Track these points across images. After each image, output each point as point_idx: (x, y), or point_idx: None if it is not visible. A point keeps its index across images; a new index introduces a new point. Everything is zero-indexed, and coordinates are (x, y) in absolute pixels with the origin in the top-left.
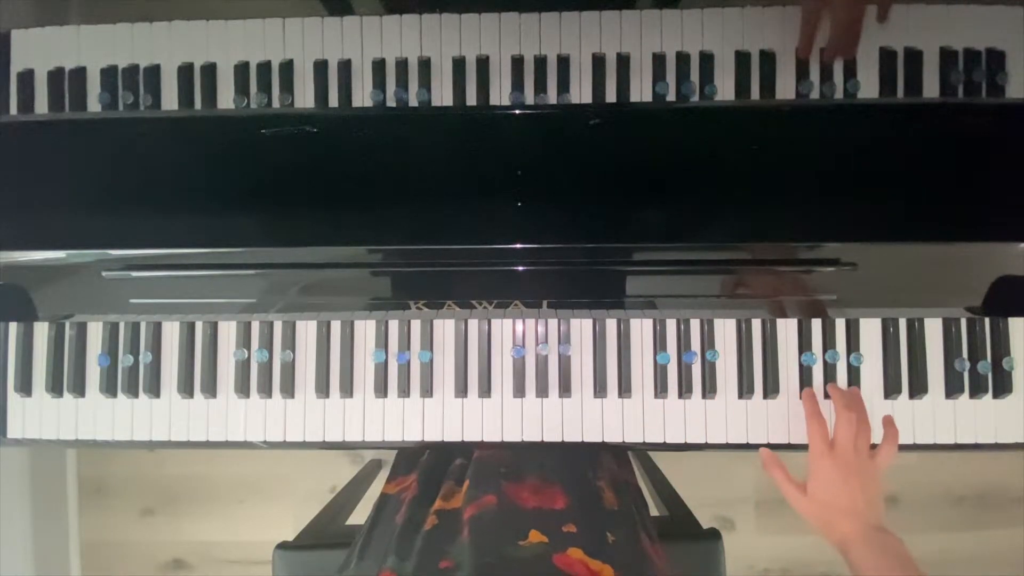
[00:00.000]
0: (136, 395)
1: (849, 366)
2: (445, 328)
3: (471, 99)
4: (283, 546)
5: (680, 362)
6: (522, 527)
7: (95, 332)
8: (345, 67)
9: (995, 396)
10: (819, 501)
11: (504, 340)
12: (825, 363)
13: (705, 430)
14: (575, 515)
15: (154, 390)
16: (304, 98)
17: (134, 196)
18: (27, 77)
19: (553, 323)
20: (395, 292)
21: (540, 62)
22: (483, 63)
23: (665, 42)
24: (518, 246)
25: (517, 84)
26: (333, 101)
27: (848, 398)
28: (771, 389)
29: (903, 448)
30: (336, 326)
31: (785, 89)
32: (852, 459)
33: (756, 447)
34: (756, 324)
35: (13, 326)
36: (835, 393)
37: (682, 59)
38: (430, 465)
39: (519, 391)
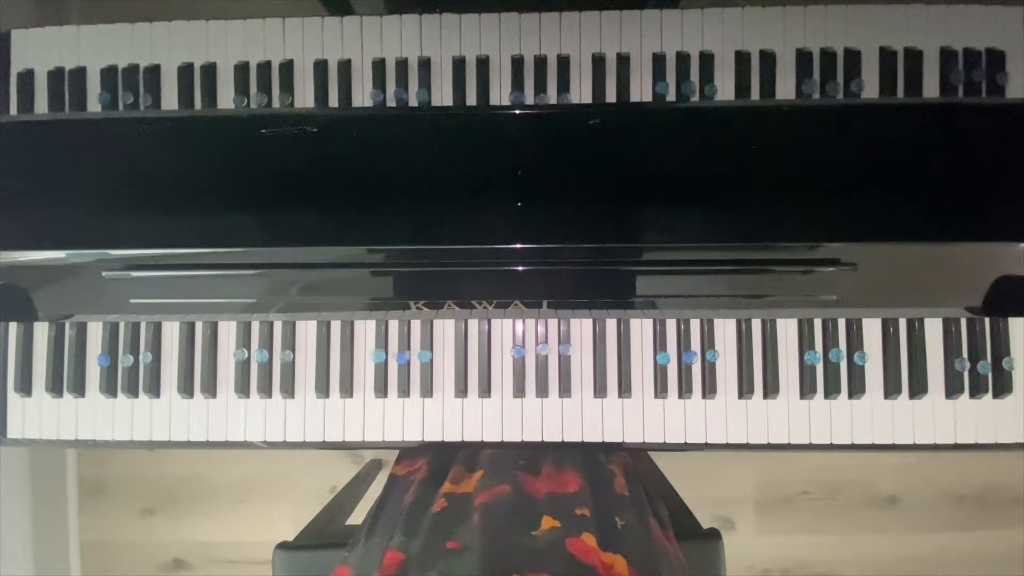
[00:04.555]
0: (136, 395)
1: (852, 365)
2: (445, 328)
3: (471, 99)
4: (283, 546)
5: (680, 362)
6: (535, 515)
7: (95, 332)
8: (345, 67)
9: (995, 396)
10: None
11: (504, 340)
12: (828, 362)
13: (705, 430)
14: (587, 498)
15: (154, 390)
16: (304, 98)
17: (134, 196)
18: (27, 77)
19: (553, 323)
20: (395, 292)
21: (540, 62)
22: (483, 63)
23: (665, 42)
24: (518, 246)
25: (517, 84)
26: (333, 101)
27: None
28: (771, 389)
29: (904, 448)
30: (336, 326)
31: (785, 89)
32: None
33: (756, 447)
34: (756, 324)
35: (13, 326)
36: None
37: (682, 59)
38: (440, 447)
39: (519, 391)
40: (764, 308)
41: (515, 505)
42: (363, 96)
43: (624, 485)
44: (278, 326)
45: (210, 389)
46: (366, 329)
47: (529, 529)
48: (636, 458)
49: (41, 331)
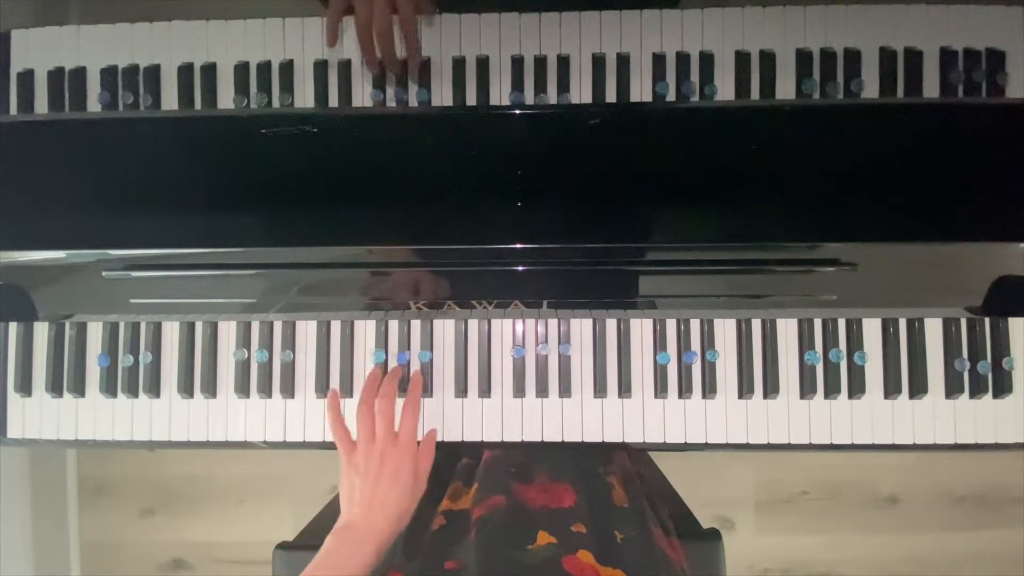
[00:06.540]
0: (136, 395)
1: (852, 365)
2: (445, 328)
3: (471, 99)
4: (283, 546)
5: (680, 362)
6: (530, 529)
7: (95, 332)
8: (345, 67)
9: (995, 396)
10: None
11: (504, 340)
12: (828, 362)
13: (705, 430)
14: (583, 514)
15: (154, 390)
16: (304, 98)
17: (134, 196)
18: (27, 77)
19: (553, 323)
20: (395, 292)
21: (540, 62)
22: (483, 63)
23: (665, 42)
24: (518, 246)
25: (517, 84)
26: (333, 101)
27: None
28: (771, 389)
29: (904, 448)
30: (336, 326)
31: (785, 89)
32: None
33: (756, 447)
34: (756, 324)
35: (13, 326)
36: None
37: (682, 59)
38: (438, 463)
39: (519, 391)
40: (764, 308)
41: (510, 518)
42: (363, 96)
43: (623, 496)
44: (278, 326)
45: (210, 389)
46: (366, 329)
47: (525, 544)
48: (635, 459)
49: (41, 331)
